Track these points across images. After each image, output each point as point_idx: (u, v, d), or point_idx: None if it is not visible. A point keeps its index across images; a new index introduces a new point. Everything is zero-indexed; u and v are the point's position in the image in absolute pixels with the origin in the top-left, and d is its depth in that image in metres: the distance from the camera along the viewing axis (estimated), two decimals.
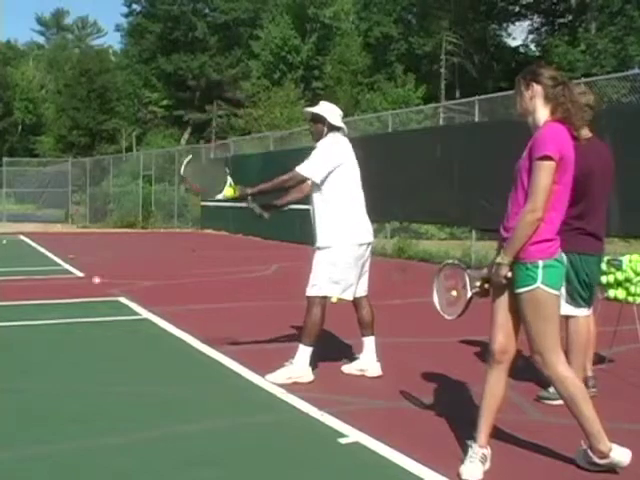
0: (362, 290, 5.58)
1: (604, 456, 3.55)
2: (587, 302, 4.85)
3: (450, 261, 4.03)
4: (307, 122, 5.92)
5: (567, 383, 3.56)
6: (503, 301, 3.63)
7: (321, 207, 5.40)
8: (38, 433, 4.22)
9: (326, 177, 5.34)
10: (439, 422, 4.38)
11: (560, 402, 4.60)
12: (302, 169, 5.38)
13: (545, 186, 3.44)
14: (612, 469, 3.58)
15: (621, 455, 3.55)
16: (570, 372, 3.59)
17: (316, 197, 5.44)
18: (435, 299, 3.93)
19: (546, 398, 4.78)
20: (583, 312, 4.84)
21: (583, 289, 4.78)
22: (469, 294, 3.71)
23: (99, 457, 3.83)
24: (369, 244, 5.51)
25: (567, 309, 4.72)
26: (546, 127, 3.57)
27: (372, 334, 5.59)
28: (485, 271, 3.73)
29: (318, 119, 5.51)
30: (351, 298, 5.50)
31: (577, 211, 4.56)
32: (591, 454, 3.58)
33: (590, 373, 5.00)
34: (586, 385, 4.85)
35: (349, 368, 5.62)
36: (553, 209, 3.50)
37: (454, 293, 3.80)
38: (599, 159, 4.76)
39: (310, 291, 5.36)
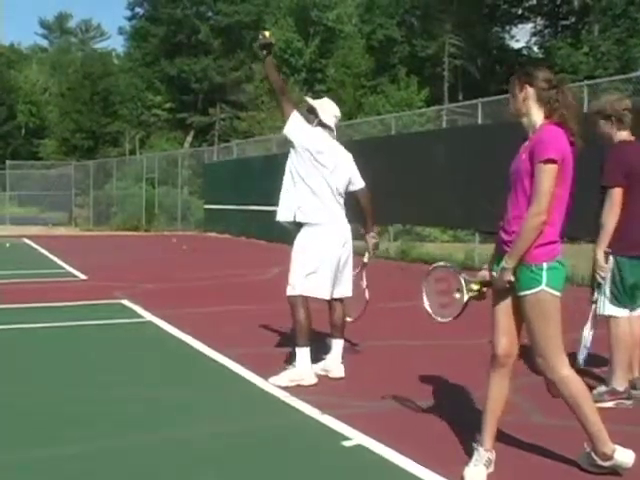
0: (339, 292, 5.59)
1: (607, 458, 3.54)
2: (629, 304, 4.86)
3: (441, 263, 4.00)
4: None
5: (570, 385, 3.54)
6: (505, 305, 3.62)
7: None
8: (39, 436, 4.22)
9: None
10: (442, 425, 4.37)
11: (607, 404, 4.62)
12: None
13: (548, 189, 3.44)
14: (615, 471, 3.57)
15: (625, 457, 3.54)
16: (573, 373, 3.58)
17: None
18: (425, 302, 3.92)
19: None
20: (624, 313, 4.84)
21: (626, 291, 4.80)
22: (466, 297, 3.70)
23: (100, 460, 3.83)
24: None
25: (609, 309, 4.79)
26: (546, 130, 3.55)
27: (341, 337, 5.64)
28: (483, 274, 3.72)
29: (311, 110, 5.65)
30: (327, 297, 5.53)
31: (628, 213, 4.61)
32: (594, 456, 3.57)
33: (637, 374, 4.97)
34: (634, 387, 4.85)
35: (315, 367, 5.55)
36: (556, 212, 3.50)
37: (457, 295, 3.77)
38: None
39: (287, 291, 5.52)
